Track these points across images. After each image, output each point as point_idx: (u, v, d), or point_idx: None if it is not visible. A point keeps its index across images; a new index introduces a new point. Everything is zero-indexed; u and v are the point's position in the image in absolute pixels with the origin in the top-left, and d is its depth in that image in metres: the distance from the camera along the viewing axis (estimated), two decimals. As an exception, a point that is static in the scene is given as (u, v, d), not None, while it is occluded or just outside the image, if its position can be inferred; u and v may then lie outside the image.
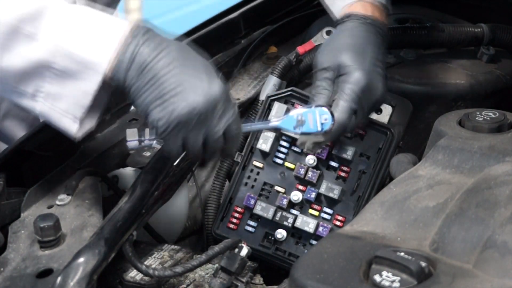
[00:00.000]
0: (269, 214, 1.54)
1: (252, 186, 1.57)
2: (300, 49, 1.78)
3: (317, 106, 1.41)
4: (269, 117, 1.56)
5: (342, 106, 1.41)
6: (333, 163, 1.54)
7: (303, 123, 1.40)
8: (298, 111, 1.41)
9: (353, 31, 1.48)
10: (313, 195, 1.53)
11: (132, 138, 1.31)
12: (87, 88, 1.24)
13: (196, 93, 1.22)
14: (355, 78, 1.42)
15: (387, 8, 1.55)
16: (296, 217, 1.53)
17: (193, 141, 1.26)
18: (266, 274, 1.43)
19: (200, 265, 1.31)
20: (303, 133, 1.42)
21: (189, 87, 1.22)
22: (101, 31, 1.24)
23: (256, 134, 1.57)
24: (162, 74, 1.22)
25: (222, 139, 1.28)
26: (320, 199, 1.54)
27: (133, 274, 1.34)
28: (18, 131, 1.64)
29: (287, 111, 1.54)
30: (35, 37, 1.21)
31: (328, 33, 1.80)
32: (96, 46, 1.23)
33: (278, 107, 1.56)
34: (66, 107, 1.25)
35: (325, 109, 1.40)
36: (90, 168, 1.54)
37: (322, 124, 1.40)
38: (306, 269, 1.09)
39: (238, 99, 1.78)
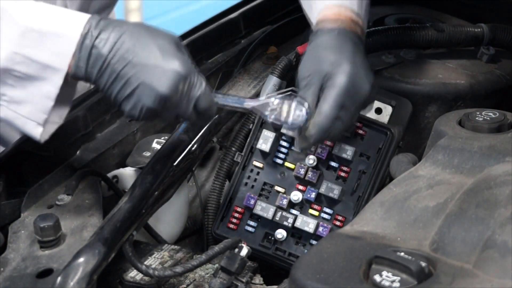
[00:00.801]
0: (269, 214, 1.54)
1: (252, 186, 1.57)
2: (300, 49, 1.78)
3: (298, 100, 1.39)
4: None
5: (324, 110, 1.40)
6: (333, 163, 1.54)
7: (277, 111, 1.38)
8: (276, 98, 1.39)
9: (324, 42, 1.46)
10: (313, 195, 1.53)
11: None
12: (48, 91, 1.24)
13: (156, 79, 1.23)
14: (337, 82, 1.40)
15: (359, 15, 1.51)
16: (296, 217, 1.53)
17: (167, 119, 1.30)
18: (266, 274, 1.43)
19: (200, 265, 1.31)
20: (273, 122, 1.40)
21: (149, 75, 1.23)
22: (56, 30, 1.22)
23: (256, 134, 1.57)
24: (120, 68, 1.23)
25: (194, 113, 1.30)
26: (320, 199, 1.54)
27: (133, 274, 1.34)
28: (15, 134, 1.64)
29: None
30: None
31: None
32: (53, 48, 1.22)
33: (278, 107, 1.56)
34: (28, 112, 1.25)
35: (302, 104, 1.38)
36: (90, 168, 1.54)
37: (294, 119, 1.38)
38: (306, 269, 1.09)
39: (238, 99, 1.78)
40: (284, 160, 1.56)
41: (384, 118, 1.60)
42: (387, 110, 1.61)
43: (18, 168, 1.51)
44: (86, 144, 1.62)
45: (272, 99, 1.39)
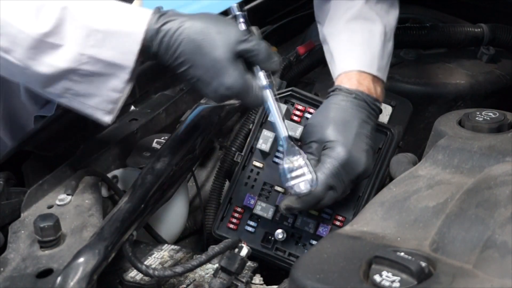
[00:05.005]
0: (269, 214, 1.54)
1: (252, 186, 1.57)
2: (300, 49, 1.78)
3: (311, 176, 1.37)
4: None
5: (319, 179, 1.40)
6: (333, 163, 1.54)
7: (293, 170, 1.37)
8: (306, 163, 1.36)
9: (337, 105, 1.47)
10: (313, 195, 1.53)
11: None
12: (115, 85, 1.27)
13: (227, 77, 1.27)
14: (336, 153, 1.42)
15: (380, 79, 1.52)
16: (296, 217, 1.53)
17: None
18: (266, 274, 1.43)
19: (200, 265, 1.31)
20: (281, 173, 1.37)
21: (204, 90, 1.28)
22: (120, 29, 1.25)
23: (256, 134, 1.57)
24: (188, 67, 1.27)
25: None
26: (320, 199, 1.53)
27: (133, 274, 1.34)
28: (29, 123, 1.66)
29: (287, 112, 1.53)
30: (59, 46, 1.23)
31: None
32: (118, 46, 1.24)
33: (278, 107, 1.56)
34: (96, 103, 1.28)
35: (314, 181, 1.36)
36: (90, 168, 1.54)
37: (296, 185, 1.36)
38: (306, 269, 1.09)
39: (238, 99, 1.78)
40: (284, 160, 1.56)
41: (384, 118, 1.60)
42: (387, 110, 1.61)
43: (18, 168, 1.51)
44: (86, 144, 1.62)
45: (300, 157, 1.37)
